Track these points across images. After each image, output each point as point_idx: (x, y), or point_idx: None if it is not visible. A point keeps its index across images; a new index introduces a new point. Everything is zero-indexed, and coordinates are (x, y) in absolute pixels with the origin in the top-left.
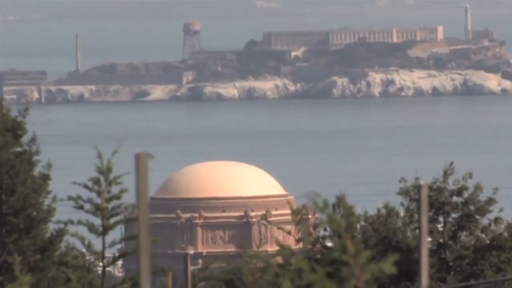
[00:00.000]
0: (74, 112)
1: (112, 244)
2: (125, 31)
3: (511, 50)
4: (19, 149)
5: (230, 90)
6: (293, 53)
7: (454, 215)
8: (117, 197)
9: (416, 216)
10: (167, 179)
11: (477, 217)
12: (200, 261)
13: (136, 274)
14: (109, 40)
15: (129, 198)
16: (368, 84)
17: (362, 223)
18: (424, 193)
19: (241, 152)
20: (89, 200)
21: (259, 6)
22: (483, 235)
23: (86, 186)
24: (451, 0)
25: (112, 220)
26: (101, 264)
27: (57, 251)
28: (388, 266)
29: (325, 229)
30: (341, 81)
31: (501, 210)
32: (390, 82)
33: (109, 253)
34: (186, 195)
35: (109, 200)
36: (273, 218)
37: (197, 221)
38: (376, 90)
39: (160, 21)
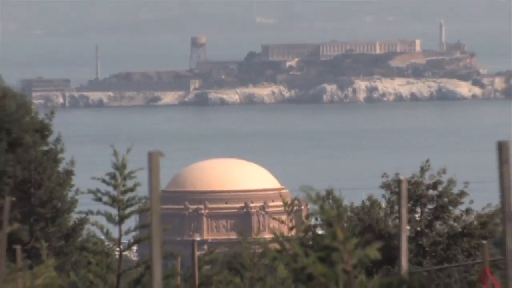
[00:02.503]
0: (94, 116)
1: (128, 231)
2: (139, 44)
3: (481, 61)
4: (46, 148)
5: (232, 95)
6: (288, 63)
7: (430, 206)
8: (132, 190)
9: (396, 207)
10: (176, 174)
11: (450, 208)
12: (205, 246)
13: (149, 258)
14: (125, 52)
15: (142, 191)
16: (354, 91)
17: (349, 213)
18: (404, 187)
19: (241, 150)
20: (107, 193)
21: (258, 22)
22: (456, 224)
23: (104, 181)
24: (427, 16)
25: (127, 211)
26: (118, 249)
27: (79, 238)
28: (373, 252)
29: (316, 219)
30: (330, 88)
31: (471, 202)
32: (374, 89)
33: (125, 240)
34: (193, 189)
35: (124, 192)
36: (270, 209)
37: (202, 211)
38: (361, 96)
39: (170, 35)
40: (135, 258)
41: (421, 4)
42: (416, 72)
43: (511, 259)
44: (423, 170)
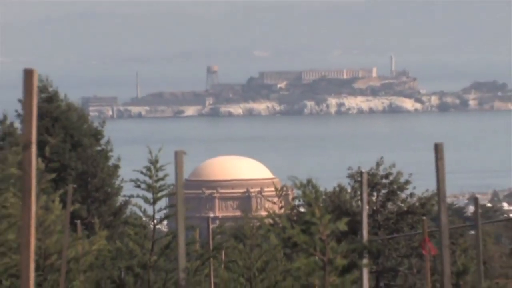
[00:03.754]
0: (134, 124)
1: (160, 210)
2: (168, 70)
3: (421, 84)
4: (99, 148)
5: (237, 109)
6: (278, 85)
7: (383, 191)
8: (162, 179)
9: (358, 192)
10: (195, 168)
11: (398, 192)
12: (217, 221)
13: (175, 229)
14: (158, 76)
15: (170, 179)
16: (327, 106)
17: (324, 196)
18: (364, 177)
19: (243, 150)
20: (144, 181)
21: (256, 55)
22: (402, 205)
23: (142, 172)
24: (381, 50)
25: (159, 194)
26: (152, 223)
27: (124, 215)
28: (341, 225)
29: (299, 200)
30: (310, 104)
31: (414, 188)
32: (342, 105)
33: (157, 216)
34: (208, 178)
35: (156, 181)
36: (265, 193)
37: (215, 195)
38: (332, 109)
39: (191, 64)
40: (165, 230)
41: (376, 41)
42: (373, 92)
43: (444, 230)
44: (378, 164)
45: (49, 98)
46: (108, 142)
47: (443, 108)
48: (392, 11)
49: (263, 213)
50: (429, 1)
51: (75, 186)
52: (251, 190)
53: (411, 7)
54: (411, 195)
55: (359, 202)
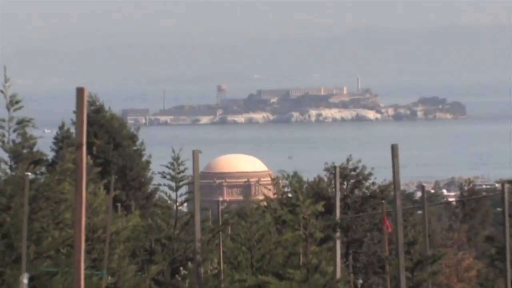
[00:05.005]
0: (162, 130)
1: (181, 195)
2: (188, 88)
3: (381, 99)
4: (135, 148)
5: (240, 118)
6: (271, 100)
7: (351, 181)
8: (183, 171)
9: (333, 181)
10: (208, 163)
11: (363, 182)
12: (225, 204)
13: (193, 210)
14: (180, 93)
15: (189, 172)
16: (309, 116)
17: (306, 185)
18: (337, 170)
19: (245, 149)
20: (169, 173)
21: (255, 77)
22: (366, 191)
23: (167, 166)
24: (350, 73)
25: (180, 183)
26: (175, 205)
27: (153, 199)
28: (319, 207)
29: (287, 188)
30: (295, 114)
31: (375, 178)
32: (320, 115)
33: (179, 200)
34: (218, 171)
35: (178, 173)
36: (262, 182)
37: (223, 184)
38: (313, 118)
39: (205, 84)
40: (185, 210)
41: (346, 67)
42: (344, 105)
43: (398, 210)
44: (348, 160)
45: (97, 110)
46: (141, 143)
47: (397, 117)
48: (359, 44)
49: (260, 198)
50: (387, 38)
51: (116, 177)
52: (251, 180)
53: (374, 39)
54: (373, 183)
55: (333, 189)
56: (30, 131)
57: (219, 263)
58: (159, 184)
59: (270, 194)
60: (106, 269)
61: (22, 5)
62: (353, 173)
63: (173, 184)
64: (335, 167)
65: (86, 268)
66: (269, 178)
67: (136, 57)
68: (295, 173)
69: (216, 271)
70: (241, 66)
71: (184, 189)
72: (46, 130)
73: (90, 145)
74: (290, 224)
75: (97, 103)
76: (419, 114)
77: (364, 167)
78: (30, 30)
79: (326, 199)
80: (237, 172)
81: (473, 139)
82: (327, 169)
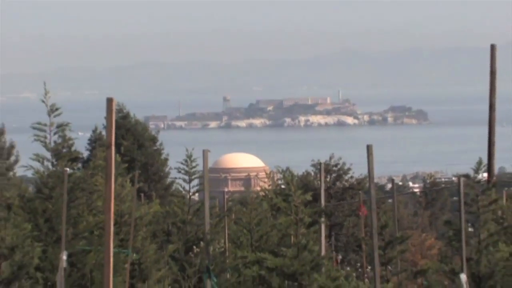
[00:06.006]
0: (177, 133)
1: (193, 187)
2: (199, 98)
3: (359, 107)
4: (155, 148)
5: (242, 123)
6: (268, 108)
7: (334, 175)
8: (194, 167)
9: (318, 175)
10: (216, 160)
11: (344, 175)
12: (229, 194)
13: (203, 199)
14: (193, 102)
15: (199, 167)
16: (299, 121)
17: (296, 178)
18: (322, 166)
19: (246, 149)
20: (183, 169)
21: (254, 89)
22: (346, 183)
23: (181, 163)
24: (333, 86)
25: (193, 177)
26: (188, 195)
27: (171, 190)
28: (308, 196)
29: (281, 181)
30: (288, 120)
31: (353, 172)
32: (308, 120)
33: (192, 190)
34: (224, 166)
35: (191, 168)
36: (259, 176)
37: (228, 177)
38: (302, 124)
39: (213, 94)
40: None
41: (330, 81)
42: (328, 112)
43: (372, 199)
44: (331, 158)
45: (124, 116)
46: (161, 144)
47: (371, 122)
48: (341, 63)
49: (258, 189)
50: (363, 58)
51: (139, 172)
52: (251, 174)
53: (353, 59)
54: (351, 177)
55: (319, 182)
56: (68, 133)
57: (224, 243)
58: (175, 178)
59: (267, 186)
60: (131, 248)
61: (59, 30)
62: (335, 168)
63: (186, 177)
64: (320, 164)
65: (114, 247)
66: (265, 173)
67: (157, 73)
68: (287, 168)
69: (222, 249)
70: (243, 81)
71: (195, 182)
72: (79, 133)
73: (118, 146)
74: (284, 211)
75: (124, 111)
76: (390, 120)
77: (344, 164)
78: (70, 50)
79: (313, 190)
80: (239, 168)
81: (434, 140)
82: (313, 165)
